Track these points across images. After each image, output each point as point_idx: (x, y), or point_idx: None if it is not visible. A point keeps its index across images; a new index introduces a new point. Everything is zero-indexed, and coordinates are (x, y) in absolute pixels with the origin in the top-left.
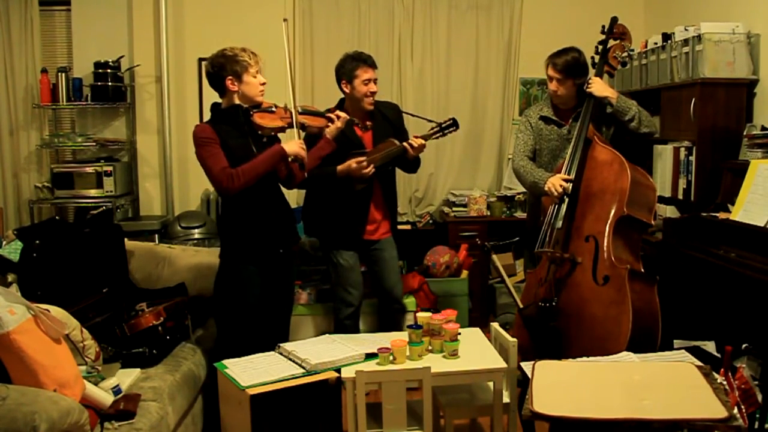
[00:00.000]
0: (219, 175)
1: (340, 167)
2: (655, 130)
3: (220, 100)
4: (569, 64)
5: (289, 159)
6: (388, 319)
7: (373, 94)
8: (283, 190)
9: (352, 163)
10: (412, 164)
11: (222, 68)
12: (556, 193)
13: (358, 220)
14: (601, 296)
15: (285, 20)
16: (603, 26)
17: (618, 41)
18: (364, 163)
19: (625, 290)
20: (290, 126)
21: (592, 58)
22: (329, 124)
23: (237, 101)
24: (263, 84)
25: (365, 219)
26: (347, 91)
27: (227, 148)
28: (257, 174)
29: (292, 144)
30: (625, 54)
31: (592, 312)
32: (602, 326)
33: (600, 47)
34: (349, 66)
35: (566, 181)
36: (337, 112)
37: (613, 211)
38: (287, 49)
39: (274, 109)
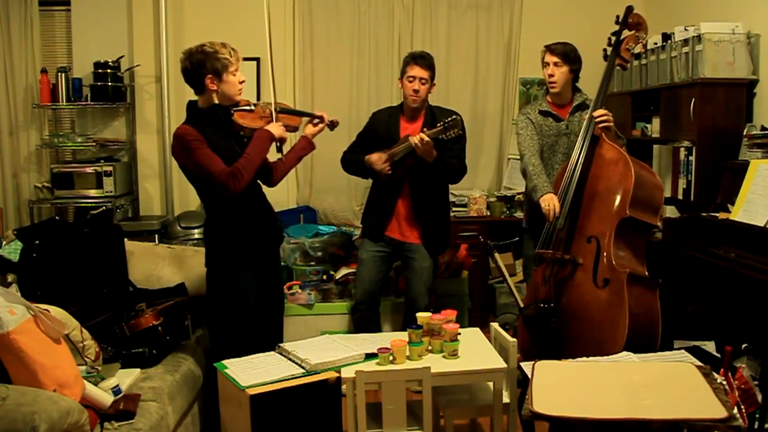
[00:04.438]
0: (221, 176)
1: (366, 156)
2: None
3: (195, 98)
4: (566, 50)
5: (277, 141)
6: (409, 323)
7: (416, 92)
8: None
9: (374, 157)
10: (439, 170)
11: (201, 65)
12: (548, 216)
13: (382, 213)
14: (600, 299)
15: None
16: (617, 16)
17: (633, 32)
18: (383, 158)
19: (623, 294)
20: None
21: (605, 50)
22: (312, 122)
23: (216, 101)
24: (242, 82)
25: (389, 214)
26: (399, 87)
27: (215, 151)
28: (256, 166)
29: (275, 127)
30: (639, 45)
31: (591, 314)
32: (599, 329)
33: (613, 38)
34: (404, 63)
35: (556, 217)
36: (319, 111)
37: (615, 213)
38: (269, 47)
39: (252, 107)
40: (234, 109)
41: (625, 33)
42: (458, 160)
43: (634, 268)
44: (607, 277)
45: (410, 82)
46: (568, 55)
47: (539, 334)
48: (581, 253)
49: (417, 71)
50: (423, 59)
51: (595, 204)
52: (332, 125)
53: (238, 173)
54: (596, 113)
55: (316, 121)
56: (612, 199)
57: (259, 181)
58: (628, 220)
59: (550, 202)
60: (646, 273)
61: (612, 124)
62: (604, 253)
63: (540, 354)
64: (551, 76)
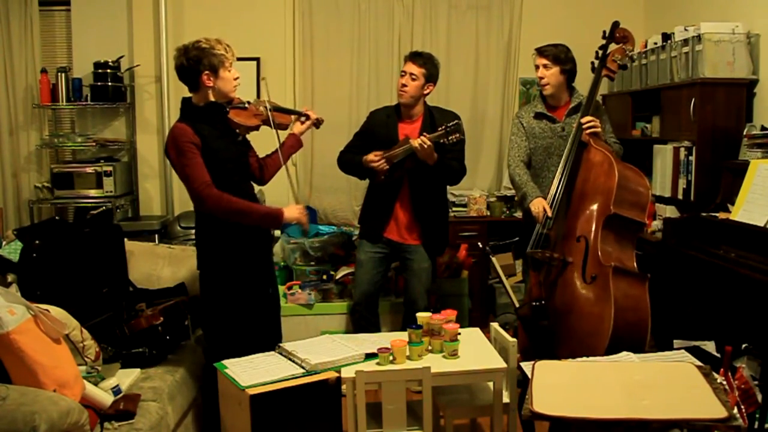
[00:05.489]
0: (201, 189)
1: (364, 157)
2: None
3: (189, 95)
4: (556, 52)
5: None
6: (408, 325)
7: (403, 86)
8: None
9: (370, 156)
10: (440, 172)
11: (198, 62)
12: (538, 219)
13: (381, 215)
14: (588, 294)
15: (263, 79)
16: (604, 31)
17: (619, 45)
18: (377, 158)
19: (609, 288)
20: (263, 123)
21: (592, 63)
22: (300, 120)
23: (212, 97)
24: (237, 78)
25: (387, 216)
26: None
27: (211, 150)
28: (241, 220)
29: (293, 210)
30: (627, 57)
31: (580, 310)
32: (587, 323)
33: (600, 51)
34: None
35: (548, 217)
36: (306, 108)
37: (601, 210)
38: (271, 117)
39: (246, 105)
40: (229, 106)
41: (612, 46)
42: (458, 162)
43: (621, 263)
44: (594, 273)
45: (402, 76)
46: (558, 57)
47: (533, 333)
48: (571, 252)
49: (408, 66)
50: (418, 57)
51: (583, 205)
52: (318, 123)
53: (222, 200)
54: (584, 120)
55: (303, 119)
56: (598, 197)
57: (251, 181)
58: (613, 216)
59: (539, 206)
60: (635, 268)
61: (599, 129)
62: (592, 250)
63: (535, 352)
64: (542, 78)
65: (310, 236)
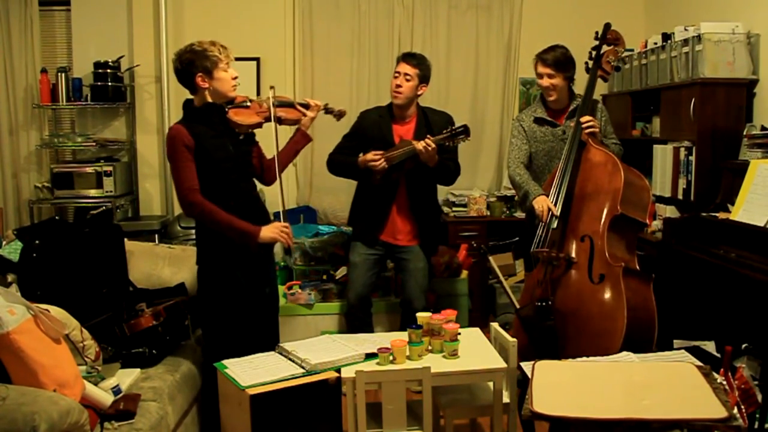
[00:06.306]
0: (186, 193)
1: (360, 158)
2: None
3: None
4: (558, 59)
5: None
6: (406, 325)
7: (398, 87)
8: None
9: (369, 155)
10: (439, 173)
11: (191, 64)
12: (542, 217)
13: (377, 218)
14: (597, 294)
15: (272, 87)
16: (597, 32)
17: (611, 47)
18: (378, 157)
19: (620, 287)
20: (267, 120)
21: (586, 63)
22: (304, 115)
23: (209, 98)
24: (235, 78)
25: (384, 218)
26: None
27: (205, 150)
28: (217, 228)
29: (269, 229)
30: (619, 59)
31: (589, 310)
32: (598, 323)
33: (593, 53)
34: (396, 62)
35: (553, 215)
36: (307, 99)
37: (607, 211)
38: (272, 113)
39: (248, 103)
40: (228, 106)
41: (604, 48)
42: (453, 162)
43: (627, 263)
44: (602, 273)
45: (395, 77)
46: (560, 62)
47: (537, 334)
48: (575, 251)
49: (402, 67)
50: (411, 57)
51: (586, 204)
52: (339, 115)
53: (202, 207)
54: (583, 119)
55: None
56: (603, 197)
57: (254, 179)
58: (620, 217)
59: (543, 204)
60: (638, 267)
61: (597, 129)
62: (599, 250)
63: (538, 353)
64: (546, 87)
65: (310, 236)
